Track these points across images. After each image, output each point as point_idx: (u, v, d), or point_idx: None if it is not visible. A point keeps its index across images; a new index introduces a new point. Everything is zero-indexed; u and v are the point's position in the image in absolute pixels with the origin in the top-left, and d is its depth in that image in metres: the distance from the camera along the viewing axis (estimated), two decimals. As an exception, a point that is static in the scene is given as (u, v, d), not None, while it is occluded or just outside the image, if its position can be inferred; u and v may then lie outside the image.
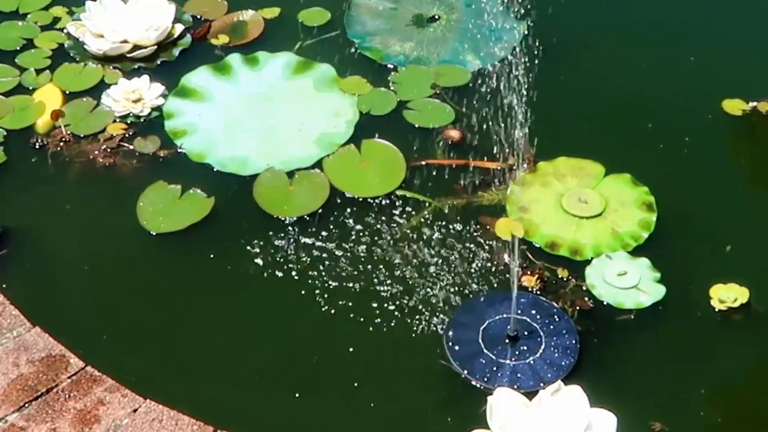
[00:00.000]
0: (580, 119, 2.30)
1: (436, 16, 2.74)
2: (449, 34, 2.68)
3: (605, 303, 2.05)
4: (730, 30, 2.71)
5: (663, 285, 2.08)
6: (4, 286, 2.07)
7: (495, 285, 2.08)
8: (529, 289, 2.06)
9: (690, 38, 2.68)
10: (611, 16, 2.61)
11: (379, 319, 2.04)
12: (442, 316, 2.03)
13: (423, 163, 2.34)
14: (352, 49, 2.63)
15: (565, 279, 2.09)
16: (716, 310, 2.03)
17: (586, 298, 2.06)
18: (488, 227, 2.20)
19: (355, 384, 1.94)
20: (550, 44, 2.42)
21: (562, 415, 1.79)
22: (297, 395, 1.92)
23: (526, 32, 2.64)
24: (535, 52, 2.52)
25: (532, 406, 1.82)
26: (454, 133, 2.39)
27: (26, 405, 1.84)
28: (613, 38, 2.53)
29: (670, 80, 2.55)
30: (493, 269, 2.11)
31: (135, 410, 1.85)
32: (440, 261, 2.13)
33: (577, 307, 2.04)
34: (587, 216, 2.21)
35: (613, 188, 2.28)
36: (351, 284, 2.10)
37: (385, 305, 2.06)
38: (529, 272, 2.09)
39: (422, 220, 2.22)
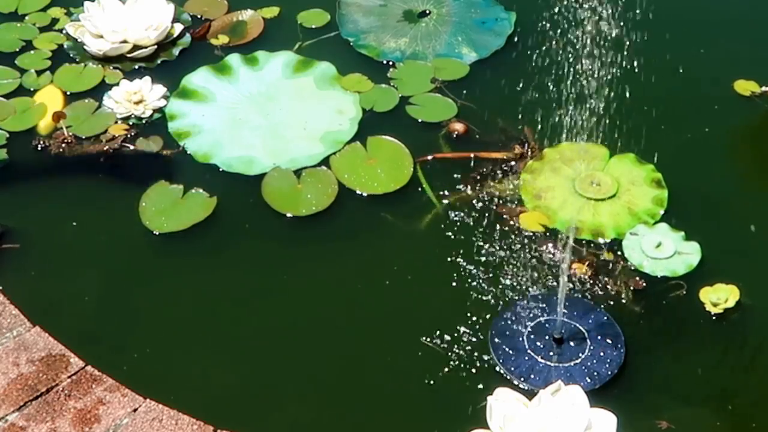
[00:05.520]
0: (578, 104, 2.30)
1: (427, 11, 2.75)
2: (442, 27, 2.69)
3: (660, 276, 2.08)
4: (743, 18, 2.72)
5: (694, 241, 2.13)
6: (3, 286, 2.06)
7: (532, 281, 2.08)
8: (580, 276, 2.07)
9: (700, 27, 2.70)
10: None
11: (393, 320, 2.02)
12: (476, 319, 2.01)
13: (430, 157, 2.33)
14: (349, 49, 2.63)
15: (612, 262, 2.10)
16: (711, 313, 2.03)
17: (638, 278, 2.07)
18: (508, 218, 2.19)
19: (361, 387, 1.93)
20: (544, 33, 2.44)
21: (562, 415, 1.77)
22: (300, 396, 1.91)
23: (517, 22, 2.66)
24: (530, 41, 2.53)
25: (532, 406, 1.81)
26: (459, 126, 2.39)
27: (26, 404, 1.83)
28: (609, 25, 2.52)
29: (674, 65, 2.55)
30: (525, 263, 2.11)
31: (135, 410, 1.84)
32: (463, 256, 2.12)
33: (632, 288, 2.05)
34: (603, 198, 2.24)
35: (621, 169, 2.31)
36: (364, 283, 2.09)
37: (405, 305, 2.05)
38: (576, 260, 2.10)
39: (438, 213, 2.22)
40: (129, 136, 2.38)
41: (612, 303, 2.04)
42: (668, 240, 2.13)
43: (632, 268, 2.09)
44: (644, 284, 2.07)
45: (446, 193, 2.25)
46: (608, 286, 2.06)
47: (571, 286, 2.05)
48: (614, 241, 2.15)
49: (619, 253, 2.12)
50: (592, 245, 2.14)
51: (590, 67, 2.30)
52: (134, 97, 2.44)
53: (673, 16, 2.66)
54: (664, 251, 2.11)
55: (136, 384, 1.88)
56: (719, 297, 2.01)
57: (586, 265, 2.09)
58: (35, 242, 2.17)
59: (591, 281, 2.07)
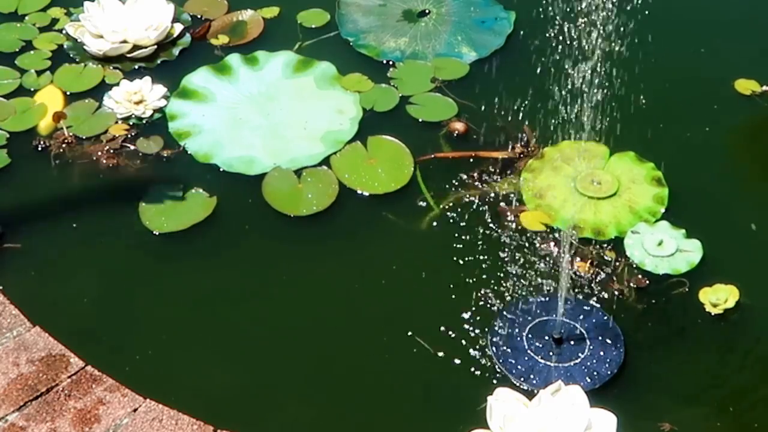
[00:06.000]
0: (578, 102, 2.30)
1: (426, 11, 2.75)
2: (441, 27, 2.69)
3: (662, 274, 2.08)
4: (744, 18, 2.72)
5: (694, 239, 2.13)
6: (3, 286, 2.06)
7: (532, 280, 2.08)
8: (583, 275, 2.08)
9: (701, 26, 2.70)
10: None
11: (393, 319, 2.02)
12: (476, 319, 2.01)
13: (430, 156, 2.33)
14: (349, 48, 2.63)
15: (614, 260, 2.11)
16: (712, 314, 2.03)
17: (640, 276, 2.08)
18: (509, 217, 2.19)
19: (361, 387, 1.93)
20: (543, 32, 2.46)
21: (562, 415, 1.77)
22: (300, 396, 1.91)
23: (517, 21, 2.67)
24: (529, 40, 2.54)
25: (532, 406, 1.81)
26: (459, 126, 2.39)
27: (26, 404, 1.83)
28: (610, 24, 2.53)
29: (675, 64, 2.55)
30: (525, 262, 2.11)
31: (135, 410, 1.84)
32: (463, 255, 2.12)
33: (634, 286, 2.06)
34: (603, 196, 2.24)
35: (621, 167, 2.32)
36: (364, 283, 2.09)
37: (406, 304, 2.05)
38: (579, 259, 2.10)
39: (438, 213, 2.21)
40: (129, 136, 2.38)
41: (615, 301, 2.04)
42: (669, 238, 2.13)
43: (634, 266, 2.10)
44: (647, 282, 2.07)
45: (447, 192, 2.25)
46: (611, 284, 2.07)
47: (573, 284, 2.06)
48: (616, 240, 2.15)
49: (620, 251, 2.13)
50: (593, 244, 2.14)
51: (590, 66, 2.30)
52: (134, 97, 2.43)
53: (674, 16, 2.67)
54: (665, 249, 2.11)
55: (136, 384, 1.88)
56: (718, 298, 2.01)
57: (589, 264, 2.10)
58: (35, 242, 2.17)
59: (593, 280, 2.07)
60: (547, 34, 2.44)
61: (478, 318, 2.00)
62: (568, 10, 2.36)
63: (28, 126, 2.41)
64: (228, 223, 2.22)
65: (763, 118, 2.45)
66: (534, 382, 1.89)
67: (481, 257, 2.12)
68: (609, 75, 2.37)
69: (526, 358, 1.93)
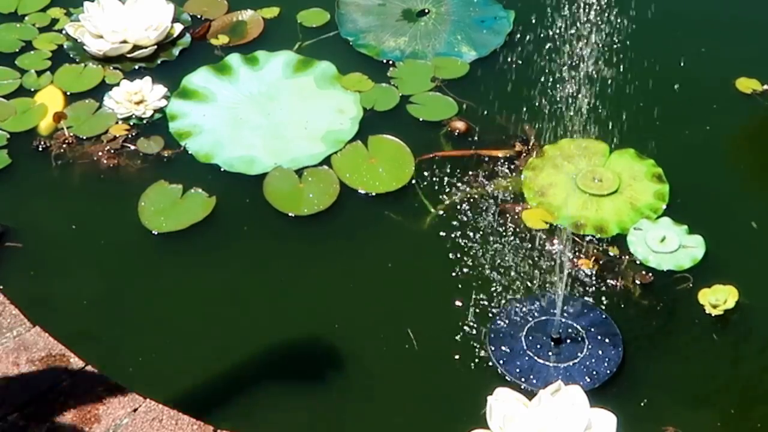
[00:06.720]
0: (578, 101, 2.31)
1: (426, 10, 2.75)
2: (441, 26, 2.70)
3: (665, 270, 2.08)
4: (746, 17, 2.73)
5: (697, 234, 2.14)
6: (4, 286, 2.06)
7: (533, 279, 2.08)
8: (587, 272, 2.08)
9: (702, 25, 2.70)
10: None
11: (394, 319, 2.02)
12: (476, 318, 2.01)
13: (431, 156, 2.33)
14: (349, 48, 2.63)
15: (617, 257, 2.11)
16: (712, 315, 2.02)
17: (644, 272, 2.07)
18: (511, 215, 2.19)
19: (361, 387, 1.93)
20: (543, 31, 2.46)
21: (562, 415, 1.77)
22: (299, 396, 1.91)
23: (516, 20, 2.67)
24: (528, 40, 2.54)
25: (532, 406, 1.80)
26: (460, 124, 2.39)
27: (26, 404, 1.83)
28: (610, 22, 2.53)
29: (676, 63, 2.55)
30: (526, 260, 2.11)
31: (135, 410, 1.83)
32: (465, 254, 2.12)
33: (639, 282, 2.06)
34: (605, 194, 2.24)
35: (621, 164, 2.32)
36: (365, 282, 2.09)
37: (407, 304, 2.05)
38: (582, 255, 2.10)
39: (440, 212, 2.21)
40: (130, 136, 2.39)
41: (618, 299, 2.04)
42: (672, 234, 2.13)
43: (638, 262, 2.10)
44: (651, 278, 2.07)
45: (448, 191, 2.25)
46: (615, 281, 2.06)
47: (576, 282, 2.06)
48: (618, 237, 2.15)
49: (623, 248, 2.13)
50: (596, 241, 2.14)
51: (590, 64, 2.30)
52: (135, 97, 2.44)
53: (675, 14, 2.67)
54: (668, 245, 2.12)
55: (136, 384, 1.88)
56: (718, 298, 2.00)
57: (593, 261, 2.09)
58: (35, 242, 2.17)
59: (598, 277, 2.07)
60: (547, 33, 2.44)
61: (478, 317, 2.00)
62: (567, 9, 2.36)
63: (29, 126, 2.41)
64: (229, 223, 2.22)
65: (763, 116, 2.45)
66: (533, 382, 1.89)
67: (483, 256, 2.11)
68: (609, 73, 2.38)
69: (526, 358, 1.93)
